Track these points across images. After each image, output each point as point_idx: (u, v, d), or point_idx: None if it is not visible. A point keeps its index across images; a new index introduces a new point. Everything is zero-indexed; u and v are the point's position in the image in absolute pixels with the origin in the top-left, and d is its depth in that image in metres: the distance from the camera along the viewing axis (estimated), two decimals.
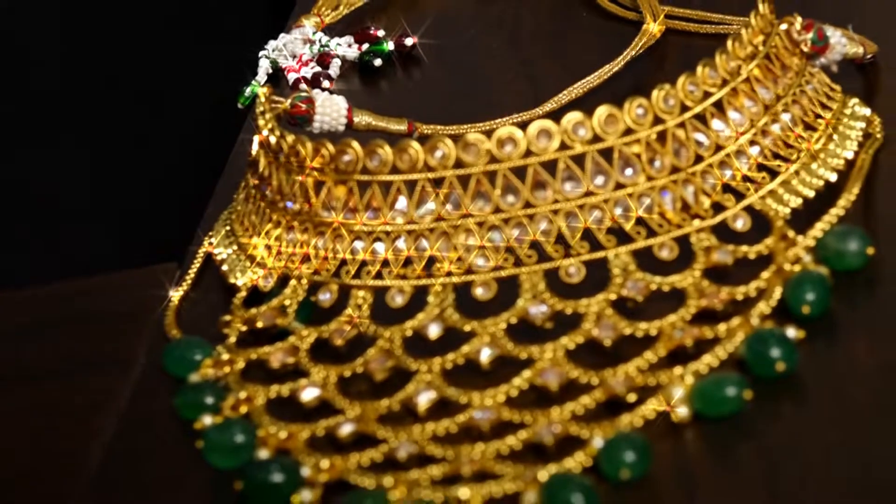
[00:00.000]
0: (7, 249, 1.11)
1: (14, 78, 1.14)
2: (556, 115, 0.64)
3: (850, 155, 0.66)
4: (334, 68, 0.89)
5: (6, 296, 0.77)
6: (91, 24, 1.18)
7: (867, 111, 0.69)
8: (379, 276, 0.64)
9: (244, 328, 0.66)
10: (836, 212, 0.62)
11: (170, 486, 0.59)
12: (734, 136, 0.65)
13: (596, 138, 0.63)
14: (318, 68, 0.89)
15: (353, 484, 0.56)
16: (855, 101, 0.69)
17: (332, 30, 0.92)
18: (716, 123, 0.65)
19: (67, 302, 0.75)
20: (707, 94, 0.64)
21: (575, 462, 0.54)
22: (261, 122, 0.69)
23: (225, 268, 0.70)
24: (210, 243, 0.73)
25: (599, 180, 0.63)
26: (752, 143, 0.65)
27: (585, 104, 0.68)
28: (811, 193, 0.64)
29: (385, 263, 0.64)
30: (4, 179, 1.12)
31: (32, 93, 1.16)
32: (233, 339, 0.65)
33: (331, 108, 0.77)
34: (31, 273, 1.01)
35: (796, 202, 0.64)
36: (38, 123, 1.15)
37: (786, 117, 0.66)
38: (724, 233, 0.63)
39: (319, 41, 0.90)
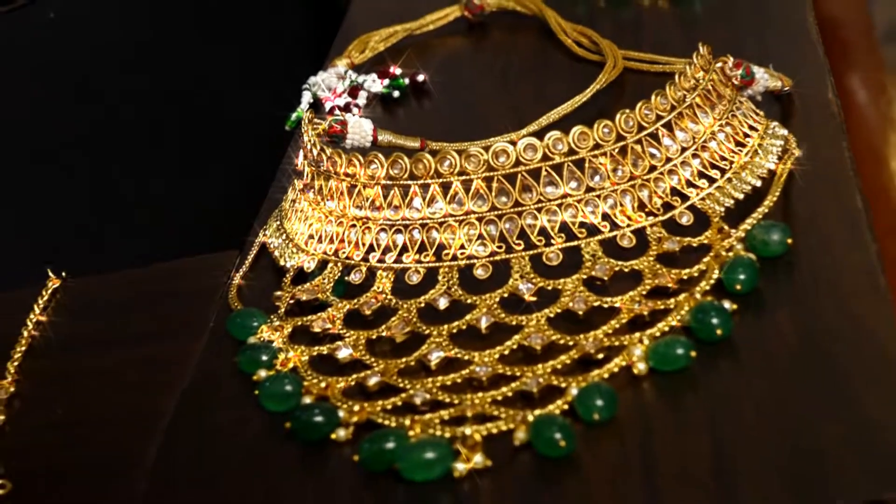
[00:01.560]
0: (111, 239, 1.11)
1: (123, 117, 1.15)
2: (539, 134, 0.64)
3: (771, 166, 0.65)
4: (362, 98, 0.88)
5: (108, 277, 0.77)
6: (189, 73, 1.20)
7: (785, 132, 0.68)
8: (399, 260, 0.64)
9: (292, 301, 0.65)
10: (761, 210, 0.62)
11: (233, 426, 0.59)
12: (680, 150, 0.64)
13: (571, 151, 0.63)
14: (349, 98, 0.88)
15: (379, 423, 0.55)
16: (775, 123, 0.69)
17: (360, 68, 0.91)
18: (666, 140, 0.64)
19: (154, 281, 0.75)
20: (659, 117, 0.64)
21: (555, 406, 0.54)
22: (305, 139, 0.69)
23: (276, 254, 0.69)
24: (264, 234, 0.72)
25: (573, 185, 0.63)
26: (695, 156, 0.65)
27: (560, 127, 0.68)
28: (741, 196, 0.64)
29: (404, 250, 0.64)
30: (116, 185, 1.14)
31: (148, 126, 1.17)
32: (283, 310, 0.65)
33: (360, 129, 0.77)
34: (123, 258, 1.01)
35: (730, 202, 0.63)
36: (144, 148, 1.16)
37: (721, 136, 0.66)
38: (672, 226, 0.63)
39: (350, 77, 0.89)
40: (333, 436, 0.55)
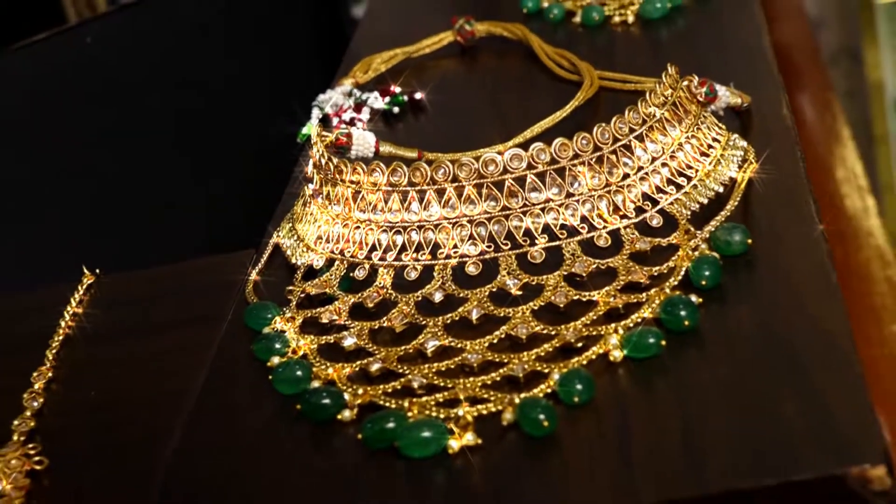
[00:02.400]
0: (140, 239, 1.11)
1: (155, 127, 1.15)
2: (524, 146, 0.63)
3: (732, 174, 0.64)
4: (365, 114, 0.87)
5: (138, 273, 0.76)
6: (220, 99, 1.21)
7: (744, 143, 0.67)
8: (398, 258, 0.63)
9: (302, 295, 0.64)
10: (724, 213, 0.61)
11: (249, 407, 0.58)
12: (651, 159, 0.63)
13: (553, 161, 0.62)
14: (354, 114, 0.87)
15: (380, 405, 0.55)
16: (735, 136, 0.68)
17: (364, 87, 0.91)
18: (638, 151, 0.63)
19: (179, 277, 0.74)
20: (632, 130, 0.63)
21: (539, 390, 0.53)
22: (314, 150, 0.68)
23: (288, 253, 0.69)
24: (278, 236, 0.71)
25: (555, 191, 0.62)
26: (664, 165, 0.64)
27: (543, 139, 0.67)
28: (706, 201, 0.63)
29: (403, 249, 0.63)
30: (146, 193, 1.14)
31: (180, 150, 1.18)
32: (294, 303, 0.64)
33: (363, 141, 0.76)
34: (152, 257, 1.00)
35: (695, 207, 0.62)
36: (180, 162, 1.17)
37: (687, 147, 0.65)
38: (644, 228, 0.62)
39: (355, 95, 0.89)
40: (339, 416, 0.55)
